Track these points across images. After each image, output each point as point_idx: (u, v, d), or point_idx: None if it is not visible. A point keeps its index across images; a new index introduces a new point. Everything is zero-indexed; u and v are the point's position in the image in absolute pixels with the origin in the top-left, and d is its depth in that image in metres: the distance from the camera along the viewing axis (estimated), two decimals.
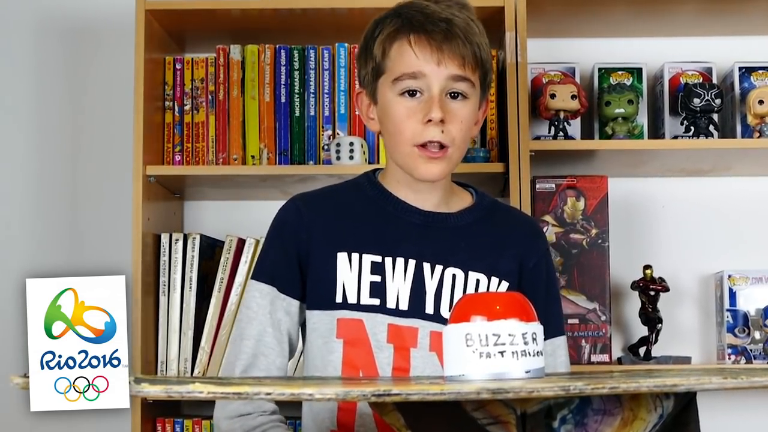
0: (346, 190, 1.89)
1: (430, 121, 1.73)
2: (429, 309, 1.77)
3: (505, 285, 1.81)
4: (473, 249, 1.81)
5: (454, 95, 1.76)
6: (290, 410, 1.96)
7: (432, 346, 1.76)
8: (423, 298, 1.77)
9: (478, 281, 1.79)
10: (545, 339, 1.79)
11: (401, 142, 1.76)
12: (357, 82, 1.92)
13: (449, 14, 1.76)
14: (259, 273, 1.83)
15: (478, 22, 1.80)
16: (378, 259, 1.78)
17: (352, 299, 1.76)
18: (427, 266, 1.78)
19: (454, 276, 1.79)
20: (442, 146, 1.74)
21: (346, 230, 1.80)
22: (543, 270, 1.87)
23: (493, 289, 1.80)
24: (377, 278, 1.77)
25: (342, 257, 1.78)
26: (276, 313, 1.79)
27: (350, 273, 1.77)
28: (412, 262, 1.78)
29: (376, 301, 1.76)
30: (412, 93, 1.75)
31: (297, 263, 1.80)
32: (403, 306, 1.77)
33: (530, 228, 1.94)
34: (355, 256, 1.78)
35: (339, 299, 1.77)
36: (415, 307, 1.77)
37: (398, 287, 1.77)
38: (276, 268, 1.81)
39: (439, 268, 1.79)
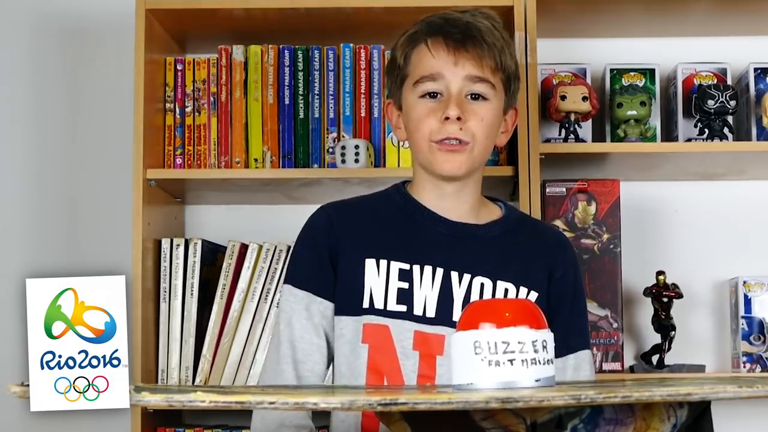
0: (374, 200, 1.93)
1: (447, 119, 1.77)
2: (456, 317, 1.78)
3: (534, 295, 1.82)
4: (501, 259, 1.84)
5: (474, 97, 1.80)
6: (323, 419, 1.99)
7: None
8: (450, 305, 1.79)
9: (506, 290, 1.81)
10: (570, 353, 1.85)
11: (420, 140, 1.81)
12: (387, 94, 1.99)
13: (470, 19, 1.82)
14: (293, 278, 1.86)
15: (504, 31, 1.85)
16: (406, 266, 1.81)
17: (378, 305, 1.79)
18: (455, 275, 1.81)
19: (482, 285, 1.81)
20: (461, 142, 1.78)
21: (374, 238, 1.84)
22: (570, 281, 1.89)
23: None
24: (405, 285, 1.80)
25: (370, 263, 1.81)
26: (313, 318, 1.82)
27: (378, 279, 1.80)
28: (440, 271, 1.80)
29: (403, 308, 1.79)
30: (432, 95, 1.80)
31: (330, 265, 1.83)
32: (430, 313, 1.79)
33: (558, 240, 1.97)
34: (383, 262, 1.81)
35: (366, 304, 1.79)
36: (443, 315, 1.79)
37: (426, 294, 1.80)
38: (310, 272, 1.84)
39: (467, 276, 1.81)
